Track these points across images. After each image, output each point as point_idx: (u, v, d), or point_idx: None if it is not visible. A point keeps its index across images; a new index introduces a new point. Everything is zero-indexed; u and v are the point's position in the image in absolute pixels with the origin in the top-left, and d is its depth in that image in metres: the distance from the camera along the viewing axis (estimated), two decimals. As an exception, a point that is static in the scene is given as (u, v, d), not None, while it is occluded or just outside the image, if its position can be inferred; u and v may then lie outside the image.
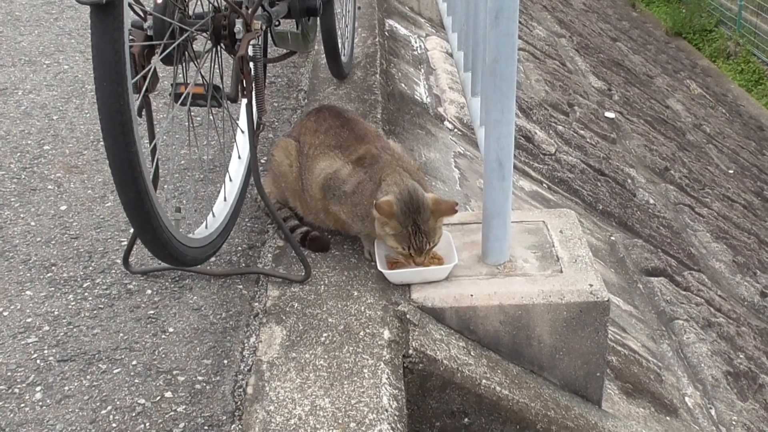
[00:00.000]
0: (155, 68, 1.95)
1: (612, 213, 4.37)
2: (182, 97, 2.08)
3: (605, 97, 6.57)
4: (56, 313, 2.15)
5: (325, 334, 2.03)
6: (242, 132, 2.62)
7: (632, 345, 3.06)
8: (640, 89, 7.61)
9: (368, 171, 2.28)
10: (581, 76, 6.86)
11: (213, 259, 2.38)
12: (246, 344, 2.05)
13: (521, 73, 5.72)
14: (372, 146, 2.34)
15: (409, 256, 2.17)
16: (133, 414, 1.84)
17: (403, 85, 4.03)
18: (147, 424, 1.81)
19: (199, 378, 1.95)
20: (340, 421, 1.77)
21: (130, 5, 1.83)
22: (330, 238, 2.44)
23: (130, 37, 1.90)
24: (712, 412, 3.08)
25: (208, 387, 1.92)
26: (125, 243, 2.42)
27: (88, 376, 1.94)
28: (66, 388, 1.91)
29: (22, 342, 2.05)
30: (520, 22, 6.39)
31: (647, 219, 4.57)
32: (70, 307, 2.17)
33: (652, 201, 4.86)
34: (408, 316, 2.11)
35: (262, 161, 2.92)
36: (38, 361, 1.98)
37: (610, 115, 6.13)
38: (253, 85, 2.18)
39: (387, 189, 2.18)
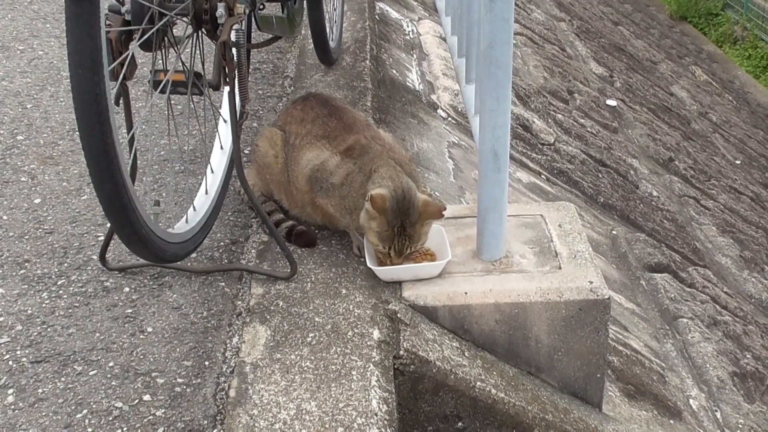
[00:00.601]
0: (133, 54, 1.95)
1: (613, 206, 4.38)
2: (161, 84, 2.07)
3: (607, 84, 6.58)
4: (29, 311, 2.14)
5: (311, 335, 2.03)
6: (224, 121, 2.61)
7: (634, 345, 3.07)
8: (643, 76, 7.62)
9: (358, 162, 2.28)
10: (581, 62, 6.87)
11: (194, 255, 2.37)
12: (228, 345, 2.05)
13: (518, 58, 5.72)
14: (361, 136, 2.34)
15: (388, 256, 2.18)
16: (110, 418, 1.84)
17: (394, 71, 4.03)
18: (124, 429, 1.81)
19: (179, 380, 1.94)
20: (327, 426, 1.77)
21: (106, -12, 1.82)
22: (317, 232, 2.44)
23: (107, 21, 1.90)
24: (718, 414, 3.09)
25: (188, 390, 1.92)
26: (102, 238, 2.42)
27: (62, 378, 1.94)
28: (40, 390, 1.90)
29: (-7, 342, 2.04)
30: (517, 5, 6.39)
31: (650, 212, 4.59)
32: (44, 305, 2.17)
33: (655, 193, 4.87)
34: (399, 315, 2.11)
35: (246, 152, 2.92)
36: (10, 363, 1.98)
37: (611, 102, 6.14)
38: (236, 72, 2.17)
39: (380, 181, 2.18)
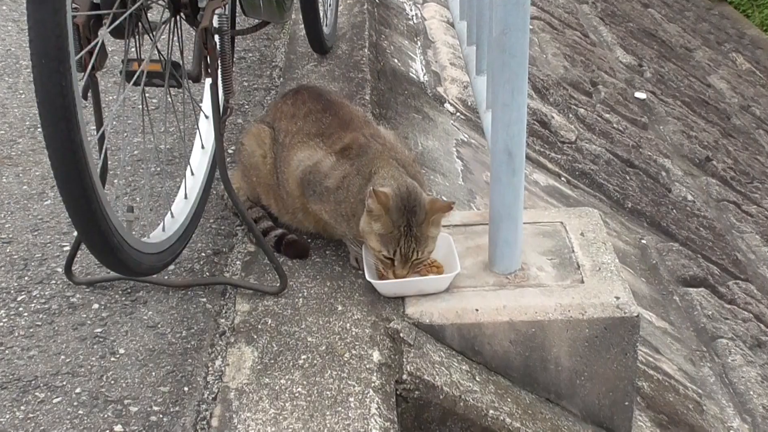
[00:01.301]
0: (103, 42, 1.96)
1: (643, 212, 4.39)
2: (135, 75, 2.08)
3: (635, 75, 6.59)
4: (-14, 331, 2.16)
5: (303, 356, 2.04)
6: (206, 117, 2.63)
7: (667, 368, 3.08)
8: (676, 64, 7.63)
9: (355, 163, 2.29)
10: (607, 49, 6.88)
11: (171, 267, 2.38)
12: (210, 368, 2.06)
13: (535, 46, 5.74)
14: (359, 134, 2.35)
15: (391, 265, 2.18)
16: (78, 451, 1.85)
17: (396, 60, 4.04)
18: (94, 463, 1.82)
19: (155, 408, 1.95)
20: (321, 459, 1.78)
21: (73, -32, 1.83)
22: (310, 242, 2.45)
23: (74, 5, 1.91)
24: (761, 447, 3.10)
25: (165, 419, 1.93)
26: (68, 248, 2.42)
27: (22, 407, 1.94)
28: (-3, 420, 1.92)
29: (-54, 366, 2.05)
30: (534, -14, 6.41)
31: (685, 219, 4.59)
32: (1, 324, 2.18)
33: (690, 197, 4.88)
34: (402, 334, 2.12)
35: (230, 151, 2.93)
36: (-35, 389, 1.99)
37: (640, 95, 6.16)
38: (219, 61, 2.18)
39: (381, 182, 2.19)
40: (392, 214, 2.13)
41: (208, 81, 2.24)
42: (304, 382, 1.96)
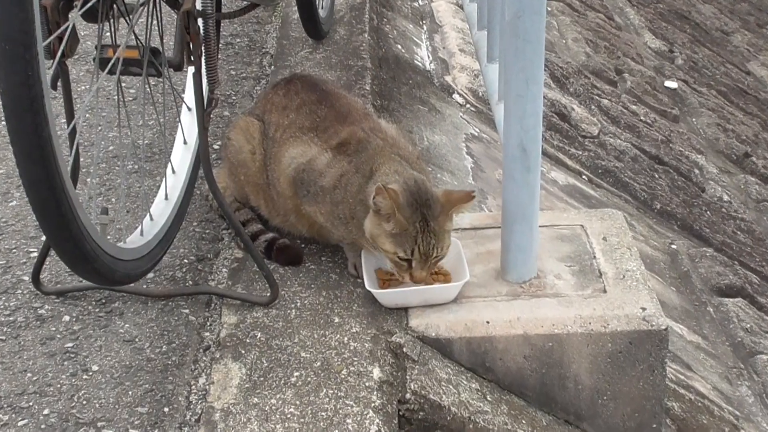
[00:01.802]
0: (74, 26, 1.96)
1: (673, 213, 4.40)
2: (110, 63, 2.08)
3: (665, 62, 6.59)
4: (-55, 346, 2.16)
5: (296, 374, 2.04)
6: (189, 109, 2.63)
7: (700, 387, 3.08)
8: (711, 50, 7.63)
9: (354, 160, 2.29)
10: (634, 33, 6.88)
11: (151, 275, 2.39)
12: (193, 386, 2.06)
13: (554, 30, 5.74)
14: (358, 128, 2.36)
15: (408, 267, 2.18)
16: (46, 478, 1.86)
17: (399, 46, 4.05)
18: (64, 492, 1.83)
19: (132, 431, 1.96)
20: (315, 487, 1.78)
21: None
22: (303, 247, 2.46)
23: (42, -15, 1.91)
24: (805, 474, 3.10)
25: (143, 442, 1.94)
26: (35, 255, 2.43)
27: (-14, 429, 1.95)
28: (-42, 444, 1.92)
29: None
30: (553, -36, 6.41)
31: (720, 221, 4.59)
32: (-37, 338, 2.19)
33: (726, 198, 4.88)
34: (405, 349, 2.13)
35: (215, 147, 2.93)
36: None
37: (671, 84, 6.16)
38: (203, 48, 2.19)
39: (384, 180, 2.19)
40: (404, 210, 2.13)
41: (191, 69, 2.25)
42: (297, 402, 1.96)
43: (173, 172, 2.46)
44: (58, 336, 2.19)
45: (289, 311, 2.23)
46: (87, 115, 3.05)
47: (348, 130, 2.35)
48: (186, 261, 2.46)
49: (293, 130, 2.40)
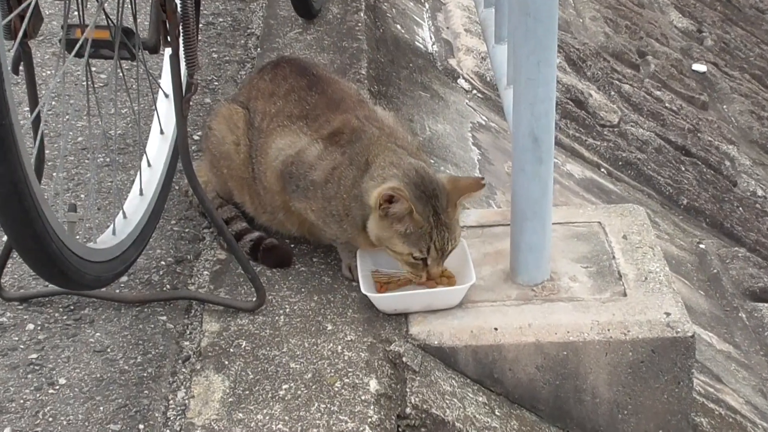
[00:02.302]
0: (37, 3, 1.97)
1: (701, 210, 4.40)
2: (78, 45, 2.09)
3: (693, 42, 6.60)
4: None
5: (285, 386, 2.04)
6: (166, 96, 2.63)
7: (731, 401, 3.08)
8: (744, 29, 7.62)
9: (347, 151, 2.29)
10: (658, 11, 6.89)
11: (124, 278, 2.39)
12: (171, 401, 2.07)
13: (569, 8, 5.74)
14: (352, 116, 2.36)
15: (424, 266, 2.19)
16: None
17: (398, 26, 4.05)
18: None
19: (104, 450, 1.97)
20: None
21: None
22: (293, 247, 2.46)
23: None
24: None
25: (116, 463, 1.94)
26: (-3, 256, 2.43)
27: (-57, 449, 1.96)
28: None
29: None
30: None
31: (754, 218, 4.60)
32: None
33: (761, 192, 4.89)
34: (404, 359, 2.13)
35: (195, 138, 2.94)
36: None
37: (699, 68, 6.16)
38: (181, 28, 2.19)
39: (382, 173, 2.20)
40: (417, 206, 2.15)
41: (168, 52, 2.24)
42: (286, 418, 1.97)
43: (149, 165, 2.47)
44: (21, 346, 2.20)
45: (277, 318, 2.23)
46: (53, 103, 3.06)
47: (341, 118, 2.35)
48: (163, 263, 2.47)
49: (281, 118, 2.40)
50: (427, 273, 2.21)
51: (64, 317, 2.29)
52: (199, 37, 2.59)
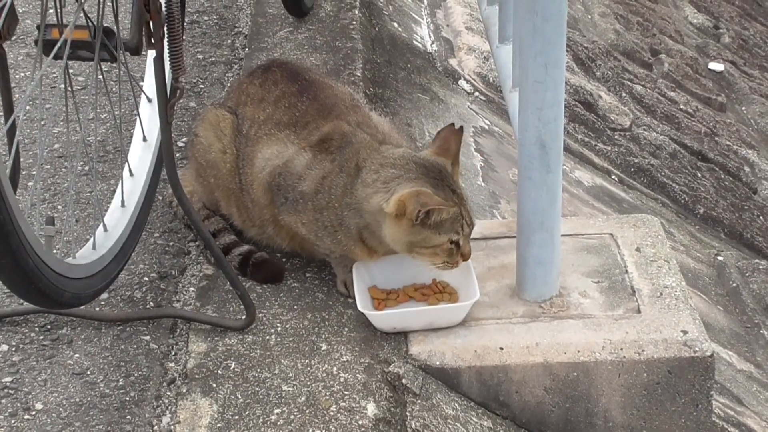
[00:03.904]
0: (12, 3, 1.97)
1: (719, 219, 4.40)
2: (56, 46, 2.09)
3: (710, 40, 6.60)
4: None
5: (277, 411, 2.05)
6: (149, 100, 2.64)
7: (752, 425, 3.08)
8: (764, 25, 7.63)
9: (337, 158, 2.30)
10: (672, 6, 6.89)
11: (105, 296, 2.39)
12: (156, 427, 2.07)
13: (577, 3, 5.75)
14: (343, 122, 2.36)
15: (458, 249, 2.21)
16: None
17: (395, 24, 4.05)
18: None
19: (85, 479, 1.97)
20: None
21: None
22: (284, 262, 2.46)
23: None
24: None
25: (97, 493, 1.94)
26: (-32, 272, 2.43)
27: None
28: None
29: None
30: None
31: (775, 228, 4.60)
32: None
33: (782, 200, 4.89)
34: (404, 381, 2.13)
35: (180, 144, 2.94)
36: None
37: (716, 67, 6.17)
38: (166, 28, 2.19)
39: (377, 177, 2.22)
40: (441, 195, 2.18)
41: (152, 53, 2.25)
42: (278, 445, 1.97)
43: (131, 174, 2.47)
44: (-4, 368, 2.20)
45: (268, 337, 2.23)
46: (28, 108, 3.06)
47: (331, 124, 2.36)
48: (146, 279, 2.47)
49: (269, 126, 2.41)
50: (462, 255, 2.23)
51: (41, 337, 2.29)
52: (184, 37, 2.59)
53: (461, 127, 2.28)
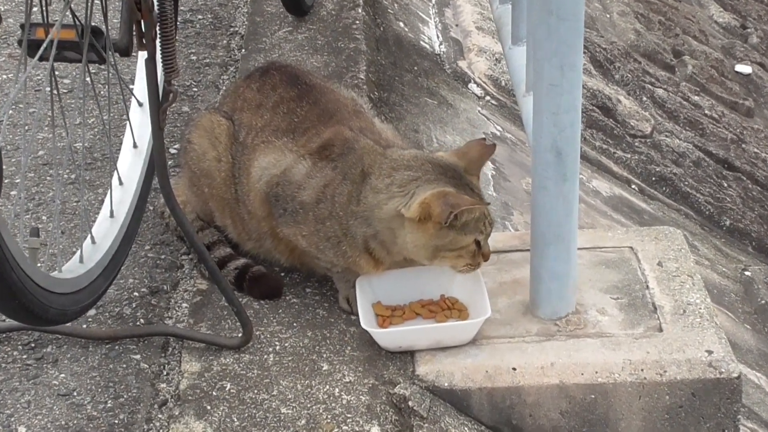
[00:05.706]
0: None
1: (747, 232, 4.40)
2: (42, 47, 2.09)
3: (736, 40, 6.60)
4: None
5: (275, 435, 2.05)
6: (140, 104, 2.64)
7: (781, 449, 3.08)
8: (793, 26, 7.63)
9: (339, 165, 2.30)
10: (696, 5, 6.90)
11: (92, 312, 2.40)
12: (147, 451, 2.07)
13: (595, 1, 5.75)
14: (345, 127, 2.36)
15: (479, 250, 2.23)
16: None
17: (401, 23, 4.06)
18: None
19: (71, 507, 1.97)
20: None
21: None
22: (283, 276, 2.46)
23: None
24: None
25: None
26: (-52, 287, 2.43)
27: None
28: None
29: None
30: None
31: (806, 241, 4.59)
32: None
33: (813, 211, 4.89)
34: (411, 403, 2.13)
35: (173, 151, 2.94)
36: None
37: (743, 69, 6.17)
38: (158, 27, 2.20)
39: (389, 180, 2.23)
40: (465, 194, 2.20)
41: (143, 55, 2.25)
42: (277, 471, 1.97)
43: (120, 183, 2.47)
44: (-23, 389, 2.21)
45: (266, 356, 2.24)
46: (11, 112, 3.06)
47: (332, 130, 2.36)
48: (136, 294, 2.47)
49: (266, 133, 2.40)
50: (483, 255, 2.26)
51: (24, 356, 2.29)
52: (177, 37, 2.60)
53: (494, 144, 2.30)
